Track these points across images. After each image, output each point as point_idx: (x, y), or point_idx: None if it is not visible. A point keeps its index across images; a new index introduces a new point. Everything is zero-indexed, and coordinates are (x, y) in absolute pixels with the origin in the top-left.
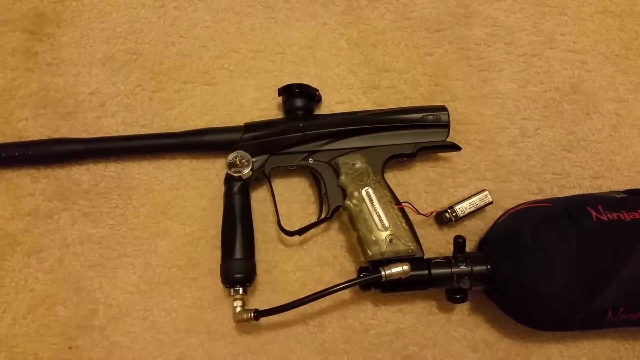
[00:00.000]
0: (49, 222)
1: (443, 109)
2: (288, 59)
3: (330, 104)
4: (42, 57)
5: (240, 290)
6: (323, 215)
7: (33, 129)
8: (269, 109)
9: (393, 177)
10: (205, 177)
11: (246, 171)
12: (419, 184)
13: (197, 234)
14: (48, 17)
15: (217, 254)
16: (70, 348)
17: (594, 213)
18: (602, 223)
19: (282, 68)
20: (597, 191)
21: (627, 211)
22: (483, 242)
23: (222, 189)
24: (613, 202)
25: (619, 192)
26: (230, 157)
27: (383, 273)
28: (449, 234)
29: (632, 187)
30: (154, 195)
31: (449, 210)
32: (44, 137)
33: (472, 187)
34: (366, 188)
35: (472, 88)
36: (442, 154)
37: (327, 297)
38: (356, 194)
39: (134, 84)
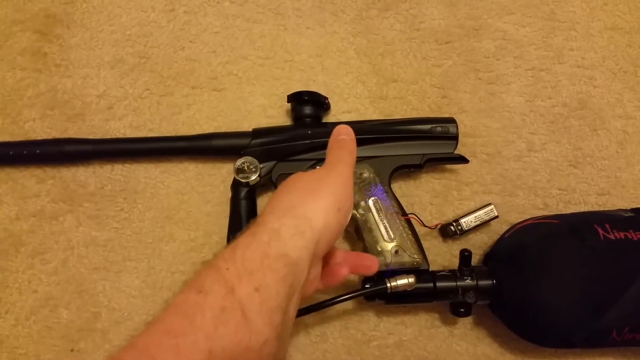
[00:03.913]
0: (54, 223)
1: (452, 120)
2: (297, 67)
3: (338, 113)
4: (51, 58)
5: None
6: None
7: (40, 130)
8: (277, 116)
9: (398, 188)
10: (211, 183)
11: (254, 177)
12: (424, 195)
13: (201, 239)
14: (58, 18)
15: None
16: (72, 351)
17: (601, 231)
18: (609, 242)
19: (291, 75)
20: (602, 208)
21: (634, 230)
22: (489, 257)
23: (227, 195)
24: (620, 221)
25: (626, 210)
26: (238, 162)
27: (388, 285)
28: (453, 247)
29: (638, 205)
30: (160, 199)
31: (454, 224)
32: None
33: (478, 200)
34: (373, 198)
35: (479, 101)
36: (448, 166)
37: (329, 307)
38: (362, 203)
39: (143, 87)
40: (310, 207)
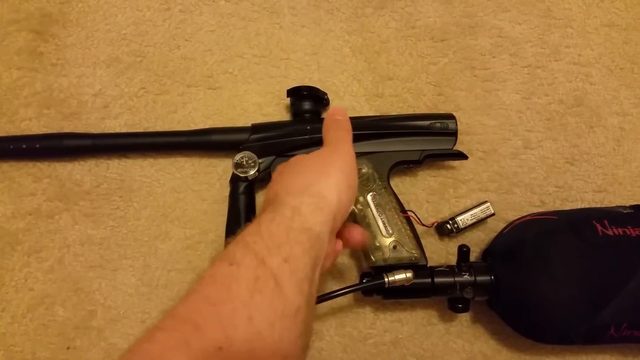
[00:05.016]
0: (50, 222)
1: (451, 117)
2: (292, 65)
3: None
4: (47, 57)
5: None
6: None
7: (36, 129)
8: (272, 114)
9: (395, 186)
10: (207, 181)
11: (252, 172)
12: (421, 193)
13: (197, 237)
14: (54, 18)
15: None
16: (68, 348)
17: (599, 227)
18: (608, 238)
19: (286, 74)
20: (599, 205)
21: (632, 227)
22: (487, 253)
23: (223, 193)
24: (619, 217)
25: (624, 207)
26: (237, 157)
27: (386, 280)
28: (450, 245)
29: (635, 202)
30: (155, 197)
31: (450, 222)
32: None
33: (474, 198)
34: (371, 193)
35: (475, 98)
36: (444, 163)
37: (325, 304)
38: (361, 199)
39: (138, 86)
40: (324, 185)
